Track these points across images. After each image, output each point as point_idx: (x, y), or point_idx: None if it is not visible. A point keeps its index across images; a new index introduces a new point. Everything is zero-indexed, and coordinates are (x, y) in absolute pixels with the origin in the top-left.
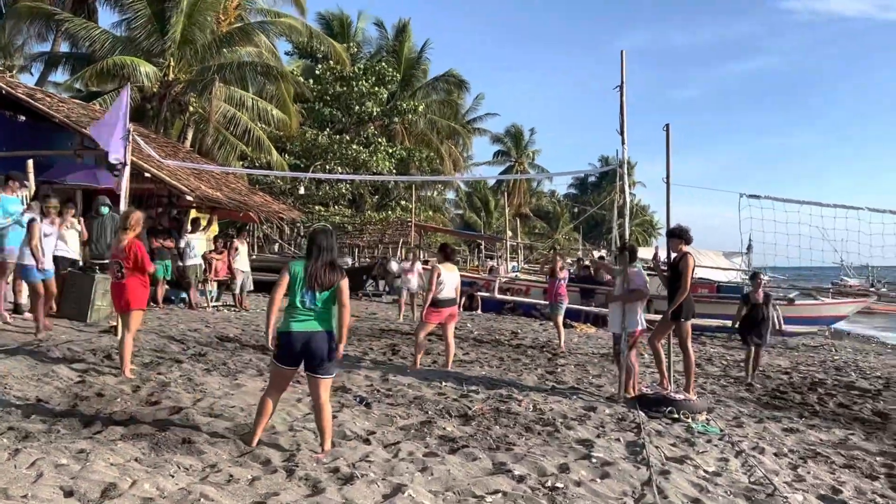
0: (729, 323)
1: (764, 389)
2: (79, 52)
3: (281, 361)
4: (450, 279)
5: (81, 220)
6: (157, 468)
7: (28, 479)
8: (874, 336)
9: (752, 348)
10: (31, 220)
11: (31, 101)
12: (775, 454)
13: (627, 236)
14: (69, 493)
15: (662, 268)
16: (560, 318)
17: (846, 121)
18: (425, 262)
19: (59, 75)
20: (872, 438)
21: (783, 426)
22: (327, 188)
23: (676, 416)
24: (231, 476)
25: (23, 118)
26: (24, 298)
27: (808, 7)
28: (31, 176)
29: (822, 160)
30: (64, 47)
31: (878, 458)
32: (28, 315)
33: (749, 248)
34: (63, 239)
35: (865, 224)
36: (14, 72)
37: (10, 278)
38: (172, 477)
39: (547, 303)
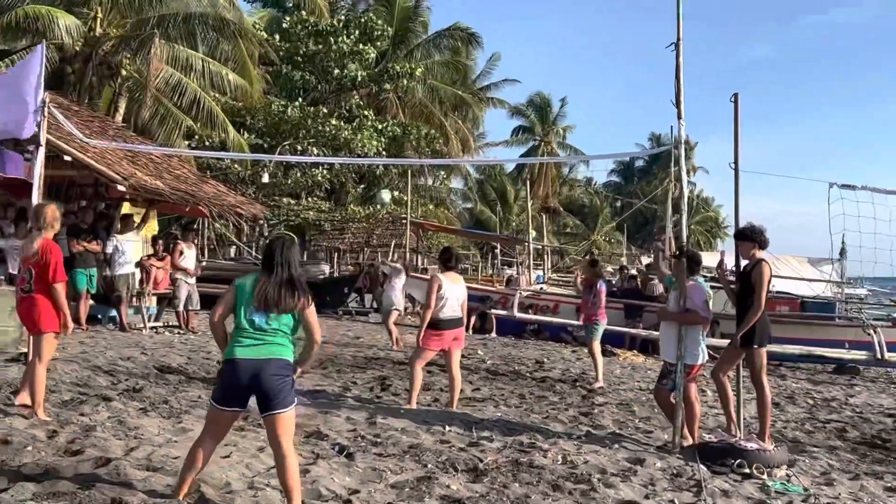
0: (817, 350)
1: (861, 436)
2: None
3: (220, 401)
4: (453, 293)
5: None
6: None
7: None
8: None
9: None
10: None
11: None
12: None
13: (685, 237)
14: None
15: (730, 279)
16: (597, 344)
17: None
18: (423, 271)
19: None
20: None
21: (886, 484)
22: (298, 175)
23: (747, 470)
24: None
25: None
26: None
27: None
28: None
29: None
30: None
31: None
32: None
33: (842, 252)
34: None
35: None
36: None
37: None
38: None
39: (580, 324)
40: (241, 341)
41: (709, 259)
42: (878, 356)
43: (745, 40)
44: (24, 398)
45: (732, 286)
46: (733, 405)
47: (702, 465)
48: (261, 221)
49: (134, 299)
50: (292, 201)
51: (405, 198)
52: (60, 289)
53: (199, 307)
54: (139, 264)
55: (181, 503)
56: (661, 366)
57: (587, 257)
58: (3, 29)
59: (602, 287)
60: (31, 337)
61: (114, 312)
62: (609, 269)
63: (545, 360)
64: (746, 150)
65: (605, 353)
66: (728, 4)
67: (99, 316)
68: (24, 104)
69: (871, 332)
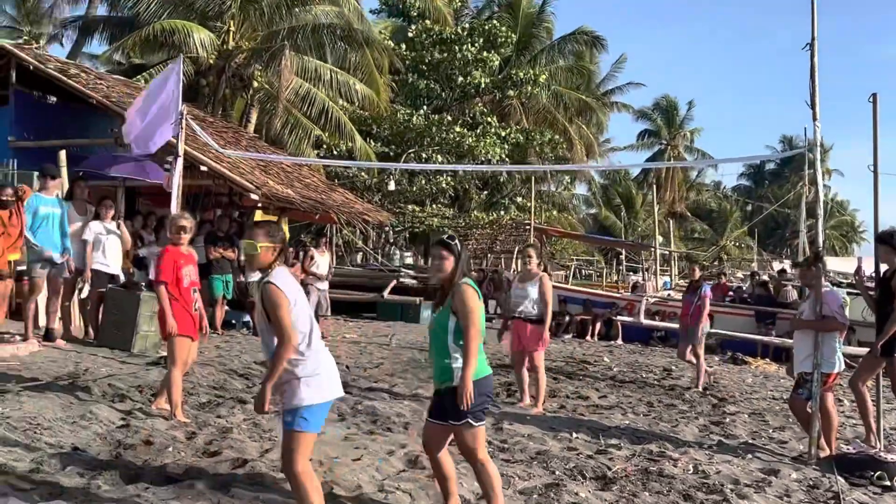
0: None
1: None
2: (119, 15)
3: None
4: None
5: (122, 222)
6: None
7: None
8: None
9: None
10: None
11: (63, 77)
12: None
13: (821, 242)
14: None
15: (868, 286)
16: (700, 349)
17: None
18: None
19: (96, 45)
20: None
21: None
22: (423, 182)
23: (888, 483)
24: None
25: (53, 99)
26: (57, 322)
27: None
28: (64, 170)
29: None
30: (101, 10)
31: None
32: (62, 343)
33: None
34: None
35: None
36: (43, 42)
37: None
38: None
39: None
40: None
41: (846, 265)
42: None
43: (884, 37)
44: (161, 402)
45: (871, 293)
46: (873, 415)
47: (839, 477)
48: (386, 228)
49: None
50: (417, 208)
51: (529, 204)
52: (162, 291)
53: (329, 313)
54: None
55: None
56: (795, 376)
57: (693, 265)
58: (141, 43)
59: (707, 292)
60: (165, 342)
61: (248, 318)
62: (739, 275)
63: (673, 367)
64: (886, 151)
65: (736, 361)
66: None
67: (234, 321)
68: (165, 117)
69: None
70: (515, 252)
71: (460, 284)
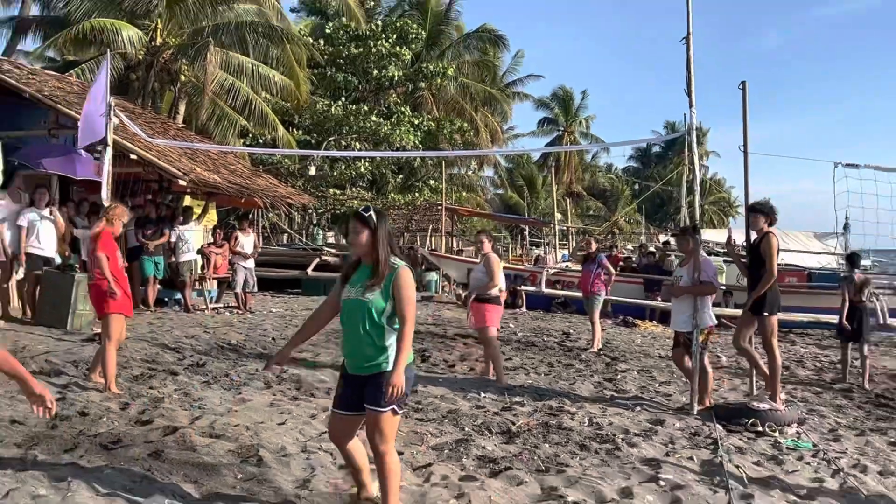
0: (824, 318)
1: (866, 396)
2: (51, 15)
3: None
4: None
5: (56, 209)
6: (150, 499)
7: None
8: None
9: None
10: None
11: None
12: (880, 473)
13: (699, 216)
14: None
15: (741, 253)
16: (596, 315)
17: None
18: (459, 252)
19: (30, 43)
20: None
21: (890, 439)
22: (343, 168)
23: (760, 429)
24: None
25: None
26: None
27: None
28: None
29: None
30: (34, 10)
31: None
32: (0, 322)
33: (846, 227)
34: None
35: None
36: None
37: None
38: None
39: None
40: None
41: (721, 236)
42: (881, 322)
43: (754, 31)
44: (95, 376)
45: (743, 259)
46: (765, 367)
47: (718, 425)
48: (309, 211)
49: (196, 283)
50: (338, 192)
51: (440, 186)
52: (103, 260)
53: (255, 289)
54: (200, 251)
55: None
56: (674, 334)
57: (586, 237)
58: (72, 40)
59: (604, 260)
60: (100, 319)
61: (179, 295)
62: (629, 247)
63: (571, 331)
64: (754, 134)
65: (627, 324)
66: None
67: (165, 299)
68: (96, 111)
69: (874, 299)
70: (430, 230)
71: (399, 269)
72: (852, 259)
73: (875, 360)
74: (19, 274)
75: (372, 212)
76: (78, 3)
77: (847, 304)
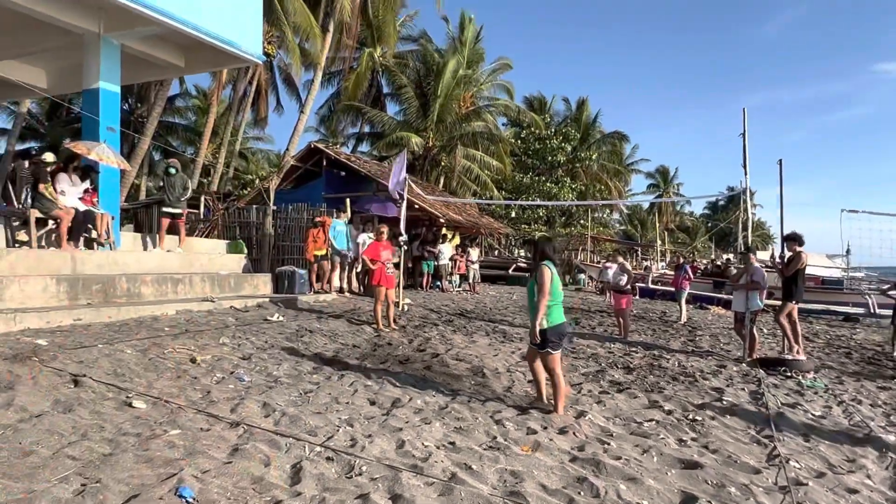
0: (833, 307)
1: (861, 357)
2: (375, 130)
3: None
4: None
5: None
6: (424, 391)
7: (349, 393)
8: None
9: None
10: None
11: (348, 162)
12: (871, 405)
13: (749, 243)
14: (372, 403)
15: (779, 264)
16: (683, 301)
17: None
18: (596, 262)
19: (364, 146)
20: None
21: (878, 385)
22: (529, 212)
23: (789, 374)
24: (470, 398)
25: (343, 173)
26: (345, 283)
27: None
28: (349, 207)
29: None
30: (367, 128)
31: None
32: (348, 294)
33: (847, 251)
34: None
35: None
36: (338, 146)
37: (339, 271)
38: (434, 397)
39: (674, 289)
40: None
41: (764, 256)
42: (871, 311)
43: (787, 129)
44: (392, 324)
45: (780, 268)
46: (791, 334)
47: (761, 370)
48: (510, 237)
49: (449, 276)
50: (526, 226)
51: (587, 224)
52: (367, 260)
53: (479, 279)
54: (451, 258)
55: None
56: (734, 314)
57: (677, 254)
58: (385, 145)
59: (687, 268)
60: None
61: (439, 283)
62: (704, 261)
63: (667, 311)
64: (787, 192)
65: (702, 308)
66: (774, 110)
67: (434, 284)
68: (398, 181)
69: (866, 296)
70: (580, 249)
71: (540, 265)
72: None
73: (868, 335)
74: (358, 268)
75: (540, 241)
76: (388, 124)
77: None
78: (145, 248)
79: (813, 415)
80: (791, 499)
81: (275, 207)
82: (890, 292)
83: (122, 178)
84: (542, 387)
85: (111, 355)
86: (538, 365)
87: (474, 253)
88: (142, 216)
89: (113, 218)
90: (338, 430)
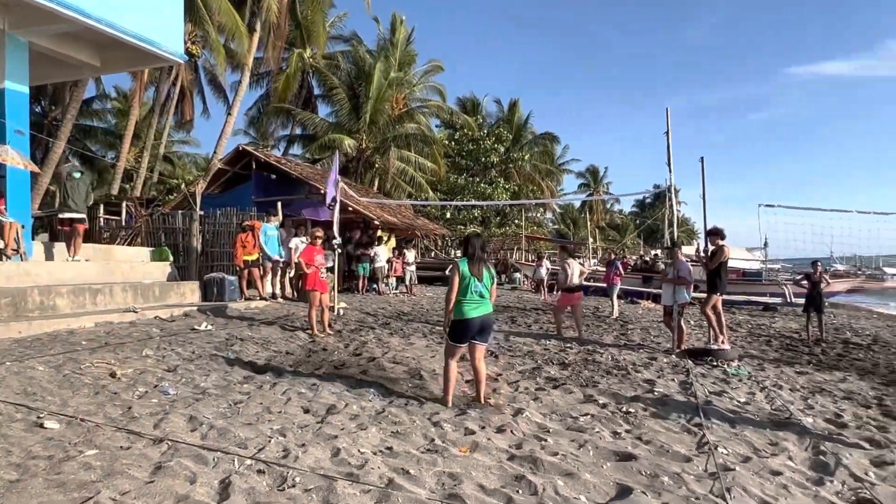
0: (753, 298)
1: (780, 344)
2: (307, 133)
3: (459, 341)
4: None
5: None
6: (360, 396)
7: (281, 402)
8: (864, 306)
9: (813, 316)
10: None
11: (279, 164)
12: (790, 390)
13: (675, 238)
14: (306, 411)
15: (702, 259)
16: (615, 296)
17: (839, 153)
18: (532, 260)
19: (296, 149)
20: (865, 379)
21: (796, 370)
22: (465, 213)
23: (716, 363)
24: (408, 401)
25: (274, 176)
26: (278, 289)
27: (807, 70)
28: (280, 211)
29: (823, 180)
30: (298, 131)
31: (870, 393)
32: (281, 300)
33: (765, 244)
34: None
35: (854, 224)
36: (269, 148)
37: (270, 276)
38: (370, 402)
39: (605, 285)
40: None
41: (689, 250)
42: (788, 300)
43: (707, 131)
44: (327, 328)
45: (704, 261)
46: (716, 325)
47: (689, 360)
48: (446, 238)
49: (385, 279)
50: (462, 227)
51: (521, 223)
52: (301, 263)
53: (416, 282)
54: (388, 260)
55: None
56: (663, 307)
57: (608, 251)
58: (318, 147)
59: (618, 265)
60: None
61: (376, 285)
62: (633, 257)
63: (599, 307)
64: (709, 190)
65: (633, 302)
66: (695, 112)
67: (368, 288)
68: (331, 184)
69: (783, 287)
70: (515, 248)
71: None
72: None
73: (786, 323)
74: (291, 273)
75: (471, 237)
76: (321, 126)
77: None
78: (59, 259)
79: (738, 402)
80: (720, 484)
81: (202, 212)
82: (802, 282)
83: (34, 185)
84: (450, 385)
85: (21, 373)
86: (454, 364)
87: (410, 255)
88: (56, 224)
89: (23, 226)
90: (269, 441)
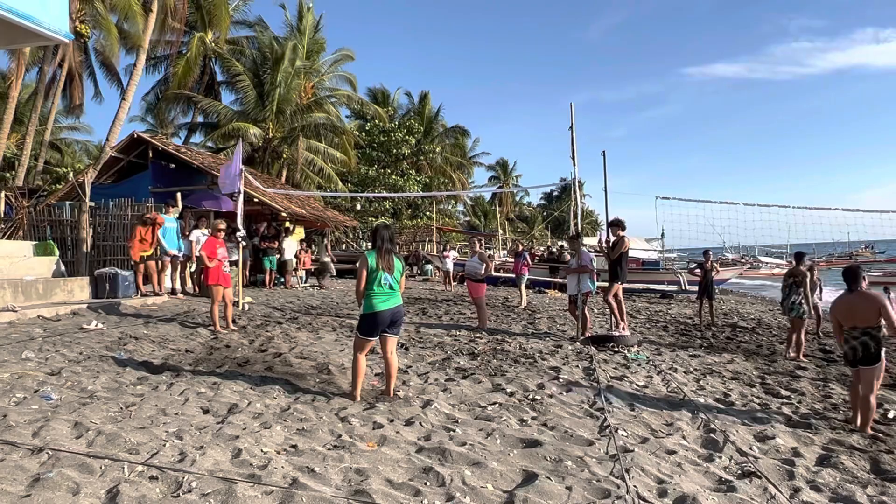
0: (652, 286)
1: (675, 329)
2: (209, 121)
3: (369, 334)
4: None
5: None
6: (265, 393)
7: (178, 403)
8: (749, 292)
9: (705, 302)
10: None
11: (178, 153)
12: (685, 372)
13: (580, 229)
14: (206, 411)
15: (604, 248)
16: (523, 286)
17: (733, 145)
18: (441, 252)
19: (197, 137)
20: (750, 359)
21: (689, 353)
22: (376, 205)
23: (617, 349)
24: (315, 397)
25: (173, 165)
26: (178, 284)
27: (700, 70)
28: (179, 202)
29: (712, 173)
30: (199, 118)
31: (754, 373)
32: (181, 296)
33: (662, 235)
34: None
35: (742, 215)
36: (168, 136)
37: (169, 271)
38: (275, 399)
39: (514, 275)
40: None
41: (592, 241)
42: (683, 288)
43: (611, 125)
44: (230, 325)
45: (607, 252)
46: (618, 313)
47: (592, 347)
48: (357, 230)
49: (294, 272)
50: (373, 219)
51: (433, 215)
52: (203, 257)
53: (335, 275)
54: (295, 255)
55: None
56: (568, 297)
57: (517, 242)
58: (221, 135)
59: (526, 255)
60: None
61: (283, 279)
62: (541, 248)
63: (508, 297)
64: (611, 182)
65: (541, 291)
66: (597, 109)
67: (277, 280)
68: (234, 174)
69: (679, 275)
70: (426, 240)
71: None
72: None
73: (680, 309)
74: (192, 267)
75: (380, 228)
76: (224, 114)
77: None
78: None
79: (637, 385)
80: (620, 466)
81: (92, 203)
82: (696, 270)
83: None
84: (359, 379)
85: None
86: (362, 357)
87: (322, 247)
88: None
89: None
90: (164, 445)
